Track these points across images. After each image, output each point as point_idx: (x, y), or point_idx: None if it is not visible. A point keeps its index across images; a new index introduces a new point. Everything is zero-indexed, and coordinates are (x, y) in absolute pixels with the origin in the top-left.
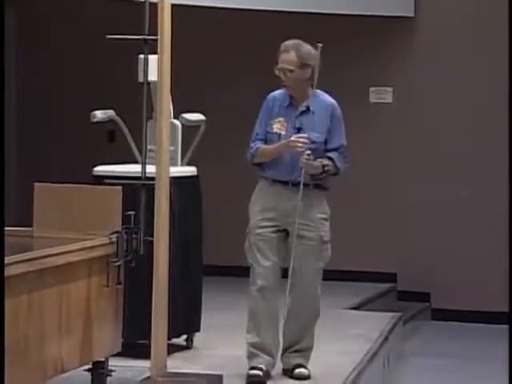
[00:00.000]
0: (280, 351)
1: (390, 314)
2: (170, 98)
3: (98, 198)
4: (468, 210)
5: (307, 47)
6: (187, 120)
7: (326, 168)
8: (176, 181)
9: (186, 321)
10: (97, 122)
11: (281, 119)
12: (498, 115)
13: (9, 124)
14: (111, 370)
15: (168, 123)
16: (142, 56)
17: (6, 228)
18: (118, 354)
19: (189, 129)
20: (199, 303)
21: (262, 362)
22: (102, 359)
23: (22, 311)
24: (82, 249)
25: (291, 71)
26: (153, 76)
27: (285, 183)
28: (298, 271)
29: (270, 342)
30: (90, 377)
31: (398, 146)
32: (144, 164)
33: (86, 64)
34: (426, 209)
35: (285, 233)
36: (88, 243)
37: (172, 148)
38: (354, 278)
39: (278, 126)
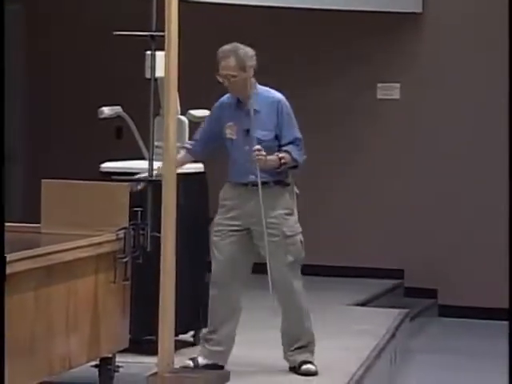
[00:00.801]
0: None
1: (397, 311)
2: (177, 95)
3: (106, 195)
4: (468, 210)
5: (244, 49)
6: (194, 116)
7: (282, 160)
8: (183, 177)
9: (192, 317)
10: (104, 119)
11: (231, 124)
12: (498, 115)
13: (15, 121)
14: (118, 366)
15: (175, 120)
16: (149, 52)
17: (14, 224)
18: (125, 350)
19: (196, 125)
20: (206, 299)
21: (204, 352)
22: (110, 355)
23: (29, 307)
24: (90, 245)
25: (234, 76)
26: (160, 72)
27: (245, 184)
28: (272, 268)
29: (219, 334)
30: (98, 373)
31: (404, 142)
32: (151, 160)
33: (95, 60)
34: (434, 206)
35: (248, 232)
36: (95, 239)
37: (179, 144)
38: (360, 274)
39: (229, 131)
